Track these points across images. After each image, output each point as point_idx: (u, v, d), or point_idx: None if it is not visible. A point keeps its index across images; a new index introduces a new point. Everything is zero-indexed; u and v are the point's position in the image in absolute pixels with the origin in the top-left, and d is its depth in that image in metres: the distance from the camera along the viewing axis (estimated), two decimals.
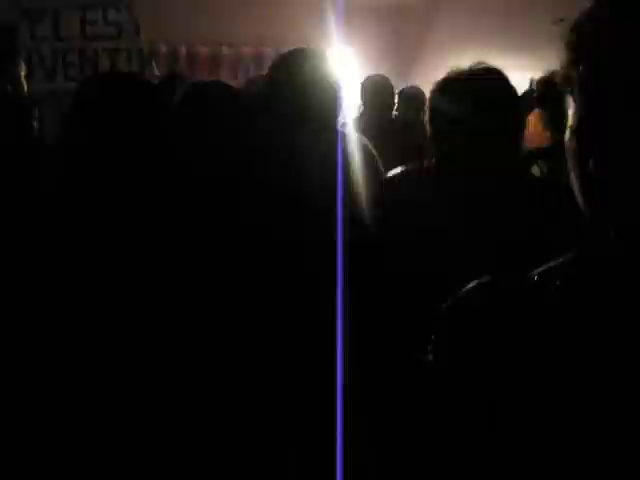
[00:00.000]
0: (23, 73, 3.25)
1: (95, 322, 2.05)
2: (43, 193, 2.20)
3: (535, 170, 3.27)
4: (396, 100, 4.82)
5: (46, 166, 2.35)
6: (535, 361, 0.80)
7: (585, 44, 0.81)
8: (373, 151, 2.51)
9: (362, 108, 4.64)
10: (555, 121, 3.29)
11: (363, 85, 4.62)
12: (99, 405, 2.08)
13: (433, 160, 2.01)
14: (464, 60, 1.97)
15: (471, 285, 0.86)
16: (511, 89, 1.95)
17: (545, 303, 0.81)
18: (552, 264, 0.84)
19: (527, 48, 5.72)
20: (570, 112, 0.84)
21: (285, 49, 2.24)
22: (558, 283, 0.81)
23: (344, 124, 2.64)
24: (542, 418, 0.78)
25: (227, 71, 6.62)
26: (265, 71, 2.39)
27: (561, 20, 1.61)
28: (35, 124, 2.58)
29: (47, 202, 2.13)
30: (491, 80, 1.94)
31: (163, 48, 6.20)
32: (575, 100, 0.83)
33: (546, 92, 3.64)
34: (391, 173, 2.19)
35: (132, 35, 5.15)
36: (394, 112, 4.85)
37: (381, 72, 4.78)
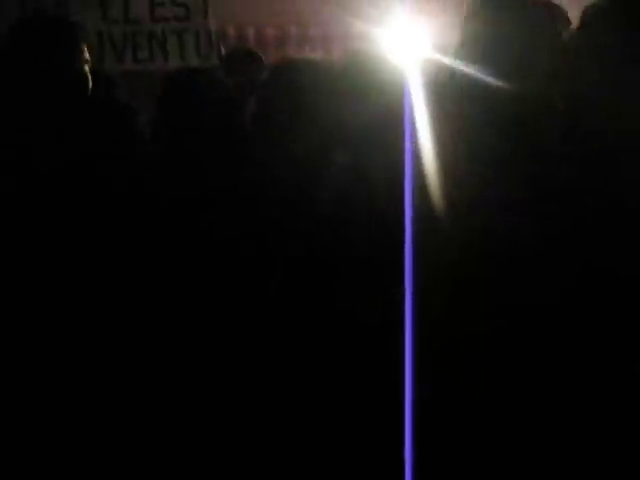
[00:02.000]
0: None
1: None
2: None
3: None
4: None
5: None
6: None
7: None
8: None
9: None
10: None
11: None
12: (97, 404, 2.07)
13: None
14: None
15: None
16: None
17: None
18: None
19: None
20: None
21: (352, 31, 2.21)
22: None
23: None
24: None
25: (294, 51, 6.60)
26: (332, 53, 2.33)
27: None
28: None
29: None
30: None
31: (231, 29, 6.20)
32: None
33: None
34: None
35: (200, 17, 5.16)
36: None
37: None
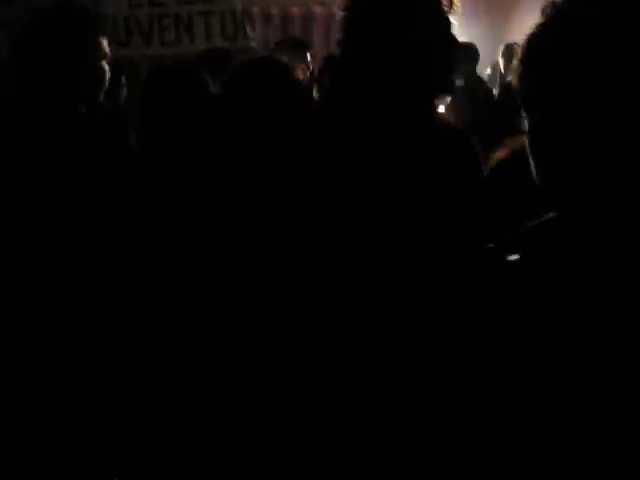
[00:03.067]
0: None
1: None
2: None
3: None
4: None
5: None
6: None
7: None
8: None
9: None
10: None
11: None
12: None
13: None
14: None
15: None
16: None
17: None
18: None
19: None
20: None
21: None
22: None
23: None
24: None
25: (319, 30, 6.60)
26: None
27: None
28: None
29: None
30: None
31: (256, 10, 6.21)
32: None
33: None
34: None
35: None
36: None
37: (475, 33, 4.73)
